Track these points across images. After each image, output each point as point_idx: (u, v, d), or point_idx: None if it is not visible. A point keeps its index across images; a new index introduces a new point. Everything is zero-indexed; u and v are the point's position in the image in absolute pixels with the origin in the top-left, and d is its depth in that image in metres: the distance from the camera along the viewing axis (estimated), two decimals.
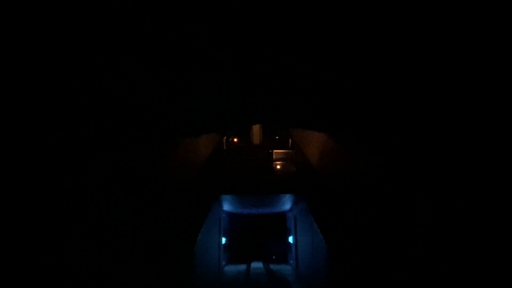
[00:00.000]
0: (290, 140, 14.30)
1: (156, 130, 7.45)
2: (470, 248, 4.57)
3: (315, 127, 9.49)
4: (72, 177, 5.31)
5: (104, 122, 5.76)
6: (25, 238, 4.21)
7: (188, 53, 4.66)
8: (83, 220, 5.54)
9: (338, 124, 7.82)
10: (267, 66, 5.17)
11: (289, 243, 18.61)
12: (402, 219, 6.71)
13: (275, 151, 13.73)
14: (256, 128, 14.67)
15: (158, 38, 4.21)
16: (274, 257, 20.65)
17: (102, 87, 4.98)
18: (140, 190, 7.72)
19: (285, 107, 6.94)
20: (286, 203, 16.29)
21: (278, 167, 13.64)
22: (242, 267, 17.60)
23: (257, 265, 18.09)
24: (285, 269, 17.27)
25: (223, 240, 17.51)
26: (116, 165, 6.71)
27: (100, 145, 5.98)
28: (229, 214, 19.60)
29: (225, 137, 14.52)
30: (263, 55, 4.78)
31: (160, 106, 6.34)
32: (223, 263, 17.40)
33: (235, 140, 15.83)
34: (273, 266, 17.83)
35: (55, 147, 4.84)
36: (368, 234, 7.97)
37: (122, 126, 6.30)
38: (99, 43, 4.08)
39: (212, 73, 5.31)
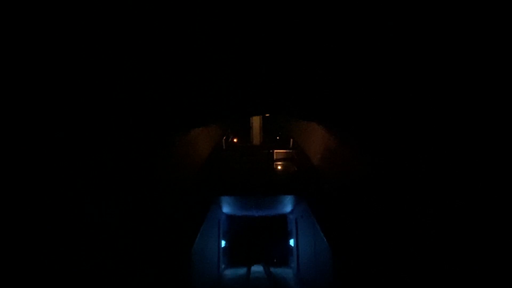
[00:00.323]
0: (291, 140, 14.00)
1: (153, 126, 7.24)
2: (480, 249, 4.46)
3: (316, 118, 9.30)
4: (62, 179, 5.12)
5: (99, 120, 5.54)
6: (21, 238, 4.15)
7: (187, 44, 4.51)
8: (74, 222, 5.33)
9: (338, 120, 7.75)
10: (269, 57, 4.98)
11: (290, 246, 18.32)
12: (409, 221, 6.46)
13: (275, 151, 13.48)
14: (256, 128, 14.34)
15: (154, 28, 4.05)
16: (275, 260, 20.34)
17: (96, 82, 4.80)
18: (134, 191, 7.43)
19: (288, 98, 6.73)
20: (287, 205, 16.02)
21: (279, 167, 13.36)
22: (242, 270, 17.29)
23: (257, 268, 17.77)
24: (286, 272, 16.97)
25: (223, 243, 17.22)
26: (108, 165, 6.41)
27: (93, 144, 5.73)
28: (229, 216, 19.32)
29: (224, 137, 14.24)
30: (265, 46, 4.63)
31: (157, 99, 6.16)
32: (223, 266, 17.10)
33: (235, 140, 15.53)
34: (273, 270, 17.51)
35: (49, 147, 4.72)
36: (374, 237, 7.70)
37: (117, 124, 6.08)
38: (91, 38, 3.97)
39: (212, 66, 5.12)
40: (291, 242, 17.89)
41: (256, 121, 14.02)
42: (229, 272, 16.95)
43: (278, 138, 15.45)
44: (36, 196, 4.37)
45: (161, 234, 8.22)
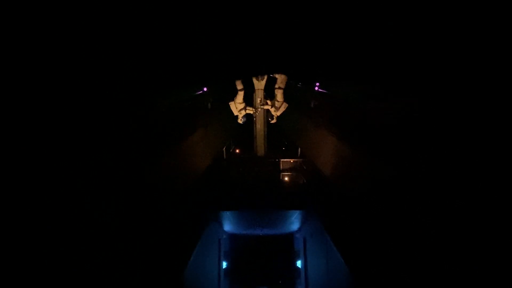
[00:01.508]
0: (299, 150, 12.92)
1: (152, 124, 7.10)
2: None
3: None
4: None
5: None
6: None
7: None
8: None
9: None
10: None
11: (297, 267, 17.11)
12: (442, 235, 5.39)
13: (282, 160, 12.46)
14: (260, 138, 13.20)
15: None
16: (280, 282, 19.06)
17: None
18: (124, 201, 6.37)
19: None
20: (294, 223, 14.92)
21: (286, 178, 12.26)
22: None
23: None
24: None
25: (224, 264, 15.99)
26: (93, 169, 5.65)
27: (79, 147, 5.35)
28: (231, 235, 18.17)
29: (225, 147, 13.17)
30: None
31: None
32: None
33: (237, 151, 14.43)
34: None
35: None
36: (403, 256, 6.53)
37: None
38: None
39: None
40: (298, 263, 16.68)
41: (260, 129, 12.93)
42: None
43: (284, 148, 14.40)
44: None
45: (148, 255, 7.07)
